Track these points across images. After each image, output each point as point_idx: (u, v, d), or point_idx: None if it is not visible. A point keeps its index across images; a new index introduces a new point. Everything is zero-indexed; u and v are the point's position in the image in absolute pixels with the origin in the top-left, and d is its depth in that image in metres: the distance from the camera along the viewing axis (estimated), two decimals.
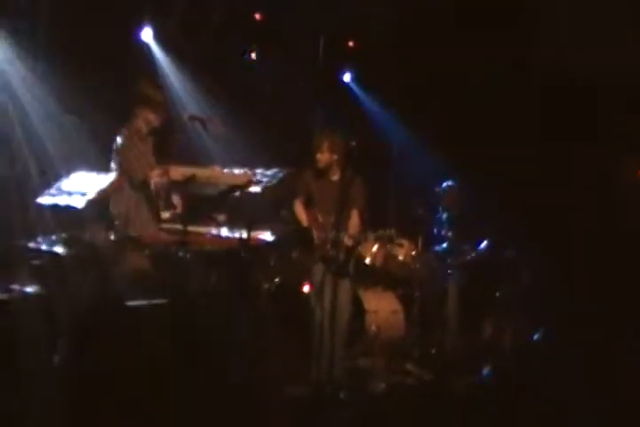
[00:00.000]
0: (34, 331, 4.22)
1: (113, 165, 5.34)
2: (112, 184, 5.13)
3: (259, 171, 6.03)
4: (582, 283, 6.75)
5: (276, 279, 6.37)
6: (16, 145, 6.04)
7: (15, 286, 4.49)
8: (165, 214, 5.31)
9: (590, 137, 7.54)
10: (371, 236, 5.91)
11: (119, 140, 5.30)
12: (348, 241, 5.74)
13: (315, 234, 5.88)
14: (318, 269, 5.82)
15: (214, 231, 5.34)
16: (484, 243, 6.90)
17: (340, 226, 5.52)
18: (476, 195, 7.28)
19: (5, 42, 6.37)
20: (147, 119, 5.25)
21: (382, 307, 6.61)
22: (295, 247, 6.13)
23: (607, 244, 7.13)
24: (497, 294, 6.79)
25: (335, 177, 5.95)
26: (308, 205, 6.05)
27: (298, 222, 6.00)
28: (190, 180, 4.84)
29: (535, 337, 5.09)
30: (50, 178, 5.33)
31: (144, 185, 5.25)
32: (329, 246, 5.62)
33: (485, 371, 5.21)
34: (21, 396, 4.07)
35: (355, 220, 5.90)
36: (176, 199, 5.35)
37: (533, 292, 6.76)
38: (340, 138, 5.85)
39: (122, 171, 5.26)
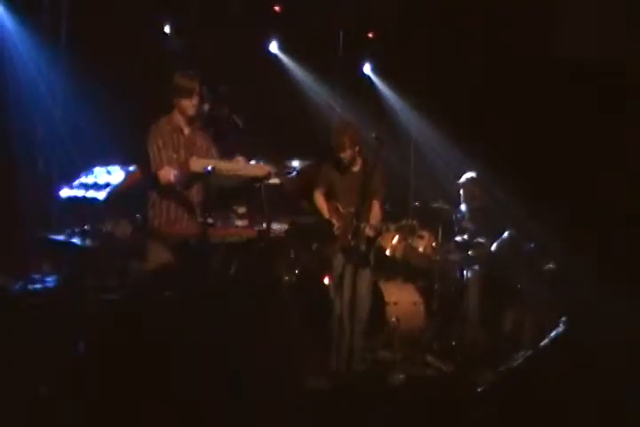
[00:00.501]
0: (55, 323, 4.28)
1: (152, 162, 5.24)
2: (132, 177, 5.23)
3: (277, 163, 6.20)
4: (606, 274, 6.68)
5: (297, 271, 6.36)
6: (39, 139, 6.09)
7: (38, 279, 4.55)
8: (241, 209, 5.34)
9: (618, 129, 7.43)
10: (392, 227, 5.92)
11: (153, 140, 5.24)
12: (369, 232, 5.74)
13: (335, 225, 5.90)
14: (338, 261, 5.86)
15: (235, 223, 5.30)
16: (505, 235, 6.83)
17: (361, 217, 5.51)
18: (497, 186, 7.21)
19: (29, 39, 6.44)
20: (182, 109, 5.23)
21: (402, 298, 6.61)
22: (315, 239, 6.13)
23: (633, 235, 7.05)
24: (517, 286, 6.72)
25: (356, 168, 5.97)
26: (328, 196, 6.08)
27: (318, 214, 6.03)
28: (211, 172, 4.79)
29: (557, 330, 5.03)
30: (69, 171, 5.39)
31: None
32: (350, 237, 5.60)
33: (506, 363, 5.15)
34: (45, 386, 4.13)
35: (376, 210, 5.91)
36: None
37: (555, 284, 6.69)
38: (360, 130, 5.85)
39: (147, 165, 5.23)
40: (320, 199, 6.05)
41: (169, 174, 5.00)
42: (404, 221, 5.95)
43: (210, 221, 4.84)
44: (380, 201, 5.95)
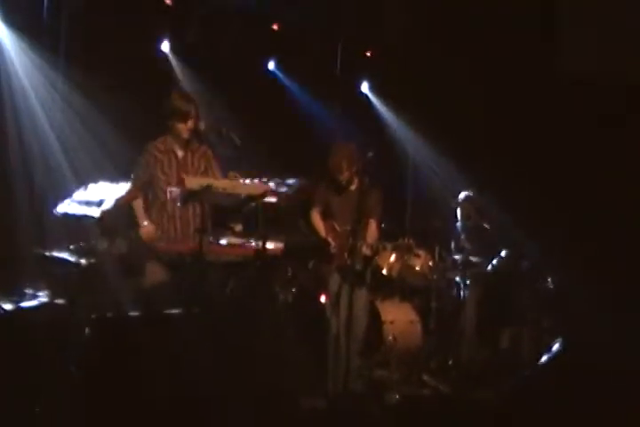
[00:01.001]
0: (50, 341, 4.24)
1: (133, 177, 5.34)
2: (128, 194, 5.24)
3: (275, 181, 6.15)
4: (604, 293, 6.65)
5: (293, 289, 6.33)
6: (33, 156, 6.08)
7: (31, 294, 4.53)
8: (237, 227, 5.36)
9: (617, 143, 7.41)
10: (389, 246, 5.94)
11: (143, 156, 5.31)
12: (365, 250, 5.76)
13: (332, 244, 5.90)
14: (335, 280, 5.84)
15: (231, 241, 5.30)
16: (502, 253, 6.83)
17: (358, 236, 5.50)
18: (493, 205, 7.19)
19: (28, 55, 6.46)
20: (176, 132, 5.24)
21: (399, 317, 6.57)
22: (312, 257, 6.12)
23: (632, 253, 7.02)
24: (514, 305, 6.69)
25: (353, 187, 5.98)
26: (325, 215, 6.08)
27: (315, 233, 6.03)
28: (206, 189, 4.82)
29: (554, 348, 5.01)
30: (64, 188, 5.38)
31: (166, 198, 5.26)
32: (346, 256, 5.61)
33: (504, 383, 5.13)
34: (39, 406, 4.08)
35: (372, 230, 5.93)
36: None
37: (552, 302, 6.68)
38: (355, 150, 5.87)
39: (143, 184, 5.29)
40: (317, 218, 6.06)
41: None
42: (400, 240, 5.96)
43: (206, 238, 4.81)
44: (377, 220, 5.97)
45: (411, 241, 5.92)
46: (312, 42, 7.94)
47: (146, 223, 5.22)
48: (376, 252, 5.92)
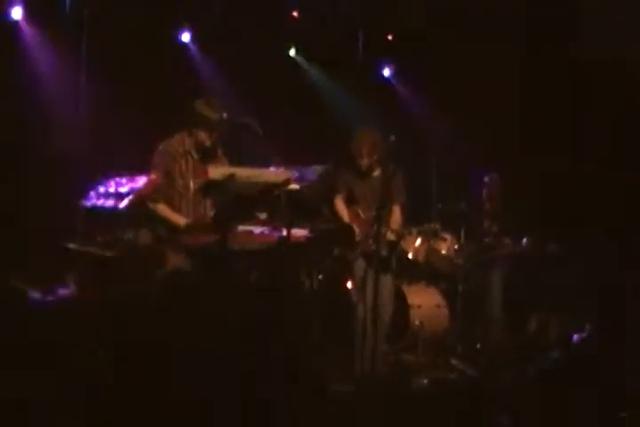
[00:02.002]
0: (77, 333, 4.27)
1: (156, 167, 5.26)
2: (151, 184, 5.13)
3: (297, 169, 6.17)
4: (632, 274, 6.54)
5: (319, 276, 6.29)
6: (57, 148, 6.11)
7: (60, 288, 4.56)
8: (262, 215, 5.27)
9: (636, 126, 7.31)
10: (414, 231, 5.90)
11: (167, 149, 5.24)
12: (390, 236, 5.73)
13: (356, 230, 5.88)
14: (360, 265, 5.83)
15: (255, 230, 5.25)
16: (528, 235, 6.72)
17: (382, 221, 5.44)
18: (520, 187, 7.15)
19: (48, 50, 6.48)
20: (199, 140, 5.17)
21: (426, 302, 6.57)
22: (337, 244, 6.07)
23: None
24: (541, 289, 6.66)
25: (376, 173, 5.95)
26: (348, 202, 6.06)
27: (339, 219, 6.01)
28: (230, 179, 4.78)
29: (582, 332, 4.97)
30: (91, 181, 5.39)
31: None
32: (371, 242, 5.58)
33: (532, 367, 5.09)
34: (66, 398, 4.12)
35: (397, 215, 5.91)
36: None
37: (580, 285, 6.61)
38: (378, 136, 5.83)
39: (166, 175, 5.22)
40: (340, 205, 6.04)
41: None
42: (425, 225, 5.92)
43: (230, 228, 4.79)
44: (401, 205, 5.94)
45: (436, 225, 5.88)
46: (332, 27, 7.87)
47: (184, 221, 5.11)
48: (401, 237, 5.88)
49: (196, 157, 5.23)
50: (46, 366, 4.04)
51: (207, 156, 5.23)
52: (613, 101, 7.38)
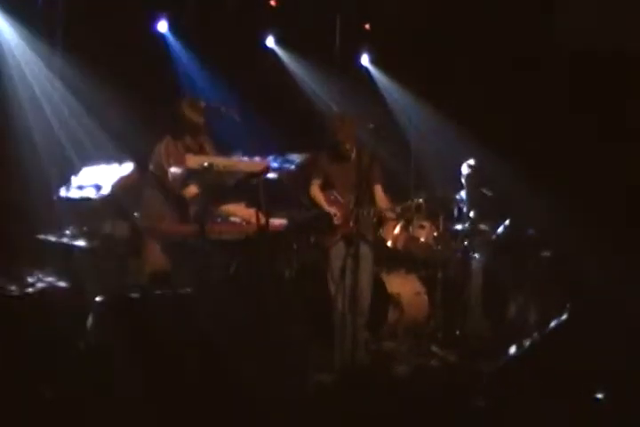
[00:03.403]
0: (55, 325, 4.19)
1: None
2: (130, 176, 5.12)
3: (275, 157, 6.11)
4: (607, 260, 6.53)
5: (297, 265, 6.27)
6: (34, 140, 6.01)
7: (35, 279, 4.47)
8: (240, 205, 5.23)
9: (619, 110, 7.28)
10: (398, 208, 5.85)
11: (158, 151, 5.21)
12: (390, 215, 5.78)
13: (336, 214, 5.83)
14: (339, 252, 5.75)
15: (232, 219, 5.26)
16: (506, 222, 6.73)
17: (363, 204, 5.51)
18: (497, 173, 7.12)
19: (23, 39, 6.36)
20: (185, 142, 5.16)
21: (405, 289, 6.54)
22: (314, 231, 6.03)
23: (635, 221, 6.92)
24: (520, 274, 6.63)
25: (352, 157, 5.89)
26: (325, 187, 6.00)
27: (316, 205, 5.94)
28: (207, 169, 4.75)
29: (561, 317, 4.95)
30: (67, 172, 5.31)
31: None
32: (351, 224, 5.53)
33: (511, 351, 5.05)
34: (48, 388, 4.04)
35: (380, 193, 5.90)
36: (193, 189, 5.20)
37: (557, 270, 6.60)
38: (356, 121, 5.81)
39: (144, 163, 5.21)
40: (316, 190, 5.97)
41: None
42: (409, 202, 5.83)
43: (208, 217, 4.78)
44: (382, 185, 5.92)
45: (420, 201, 5.78)
46: (310, 16, 7.72)
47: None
48: (401, 214, 5.87)
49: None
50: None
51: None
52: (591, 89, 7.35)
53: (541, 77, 7.60)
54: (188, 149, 5.16)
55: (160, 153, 5.14)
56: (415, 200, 5.80)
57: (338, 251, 5.79)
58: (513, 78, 7.62)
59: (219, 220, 5.04)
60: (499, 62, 7.76)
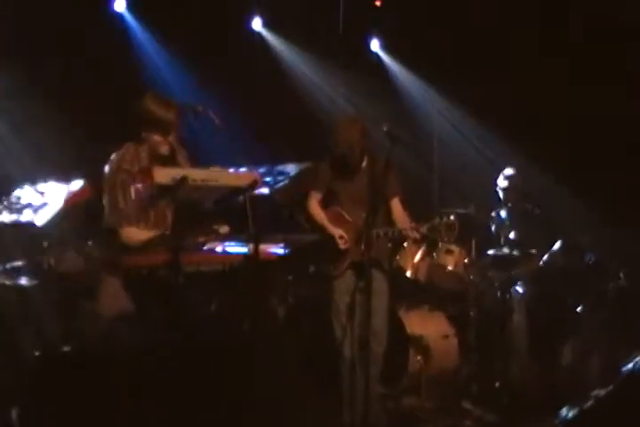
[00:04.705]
0: None
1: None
2: (80, 194, 4.80)
3: (266, 169, 6.12)
4: None
5: (294, 302, 6.33)
6: None
7: None
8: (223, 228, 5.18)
9: None
10: (423, 228, 5.69)
11: (112, 161, 5.08)
12: (412, 234, 5.64)
13: (342, 237, 5.78)
14: (346, 285, 5.71)
15: (214, 247, 5.21)
16: (557, 245, 6.67)
17: (377, 222, 5.46)
18: (544, 184, 7.17)
19: None
20: (152, 146, 5.05)
21: (430, 331, 6.48)
22: (315, 259, 6.02)
23: None
24: (578, 310, 6.58)
25: (363, 169, 5.87)
26: (329, 203, 5.97)
27: (316, 226, 5.90)
28: (181, 183, 4.65)
29: (630, 364, 4.93)
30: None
31: None
32: (362, 249, 5.34)
33: (566, 410, 5.03)
34: None
35: (399, 209, 5.86)
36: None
37: (625, 305, 6.52)
38: (365, 124, 5.79)
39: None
40: (315, 207, 5.93)
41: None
42: (437, 219, 5.67)
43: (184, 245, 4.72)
44: (401, 199, 5.89)
45: (452, 219, 5.63)
46: None
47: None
48: (427, 236, 5.73)
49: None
50: None
51: (166, 165, 5.07)
52: None
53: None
54: (158, 158, 5.06)
55: (117, 166, 5.02)
56: (445, 218, 5.65)
57: (345, 283, 5.78)
58: (540, 63, 7.70)
59: (196, 247, 4.96)
60: (521, 45, 7.82)
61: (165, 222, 5.14)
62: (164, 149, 5.06)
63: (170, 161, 5.11)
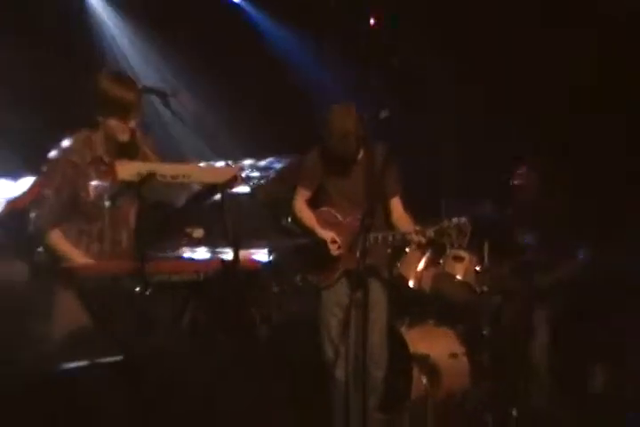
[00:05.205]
0: None
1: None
2: (31, 192, 5.03)
3: (247, 162, 6.15)
4: None
5: (277, 316, 6.34)
6: None
7: None
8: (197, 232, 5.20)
9: None
10: (430, 231, 5.59)
11: (68, 158, 4.97)
12: (416, 238, 5.55)
13: (335, 241, 5.76)
14: (339, 297, 5.71)
15: (186, 253, 5.25)
16: (582, 253, 6.55)
17: (375, 224, 5.36)
18: (566, 180, 6.92)
19: None
20: (109, 132, 4.94)
21: (436, 350, 6.41)
22: (302, 267, 5.98)
23: None
24: (608, 329, 6.45)
25: (358, 163, 5.85)
26: (318, 202, 5.95)
27: (305, 230, 5.87)
28: (148, 179, 4.51)
29: None
30: None
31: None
32: (357, 255, 5.15)
33: None
34: None
35: (399, 210, 5.83)
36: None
37: None
38: (359, 113, 5.70)
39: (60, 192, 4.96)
40: (302, 206, 5.89)
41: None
42: (445, 222, 5.54)
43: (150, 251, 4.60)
44: (401, 198, 5.87)
45: (463, 221, 5.49)
46: None
47: (81, 260, 4.97)
48: (434, 240, 5.63)
49: (108, 160, 4.95)
50: None
51: (126, 155, 4.98)
52: None
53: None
54: (115, 146, 4.94)
55: (63, 156, 4.88)
56: (455, 220, 5.50)
57: (337, 295, 5.77)
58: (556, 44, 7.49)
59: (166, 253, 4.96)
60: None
61: (128, 225, 5.05)
62: (123, 136, 4.93)
63: (130, 150, 5.00)
